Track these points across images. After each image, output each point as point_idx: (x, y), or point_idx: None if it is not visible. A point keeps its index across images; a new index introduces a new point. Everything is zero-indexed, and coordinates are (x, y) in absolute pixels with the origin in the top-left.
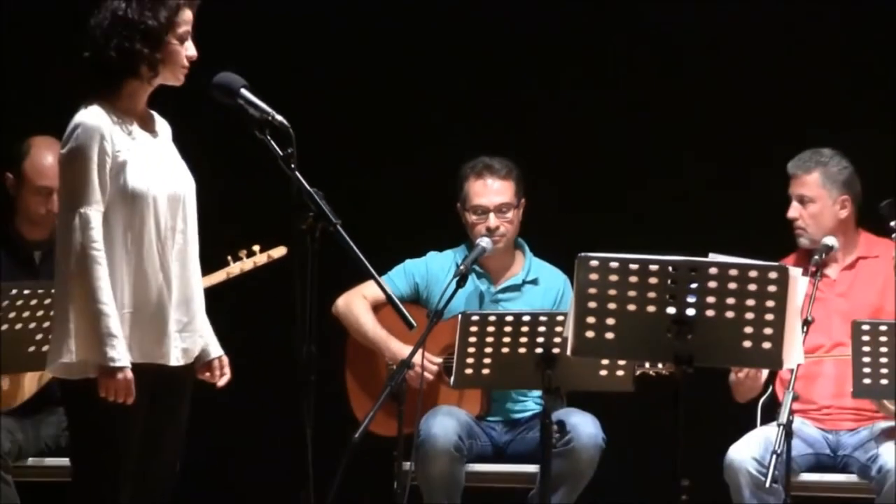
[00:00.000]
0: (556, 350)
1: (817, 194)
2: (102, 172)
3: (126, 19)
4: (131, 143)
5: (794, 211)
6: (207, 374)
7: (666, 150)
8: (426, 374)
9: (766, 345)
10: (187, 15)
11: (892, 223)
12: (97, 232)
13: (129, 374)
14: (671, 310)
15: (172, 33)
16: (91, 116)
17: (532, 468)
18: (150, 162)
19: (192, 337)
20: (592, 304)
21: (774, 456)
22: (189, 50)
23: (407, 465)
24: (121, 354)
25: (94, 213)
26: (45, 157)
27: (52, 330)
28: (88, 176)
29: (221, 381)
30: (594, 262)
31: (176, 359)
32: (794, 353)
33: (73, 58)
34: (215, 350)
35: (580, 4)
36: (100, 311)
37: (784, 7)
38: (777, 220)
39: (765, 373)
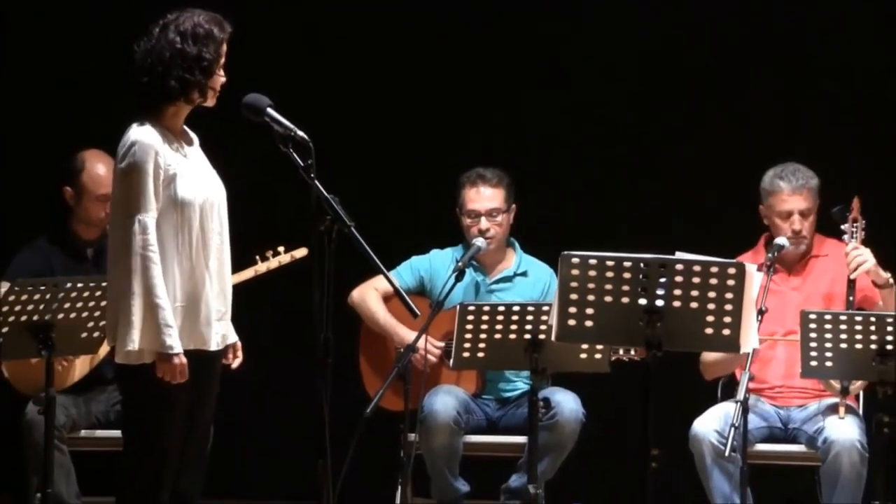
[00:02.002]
0: (542, 336)
1: (814, 206)
2: (156, 184)
3: (185, 53)
4: (178, 158)
5: (798, 224)
6: (224, 357)
7: (639, 159)
8: (429, 356)
9: (726, 331)
10: (224, 47)
11: (843, 226)
12: (153, 236)
13: (184, 359)
14: (643, 301)
15: (218, 64)
16: (146, 135)
17: (521, 439)
18: (194, 173)
19: (227, 324)
20: (574, 296)
21: (733, 429)
22: (223, 77)
23: (412, 436)
24: (176, 342)
25: (150, 219)
26: (100, 168)
27: (113, 322)
28: (145, 187)
29: (235, 364)
30: (576, 260)
31: (216, 344)
32: (750, 339)
33: (119, 82)
34: (232, 337)
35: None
36: (157, 305)
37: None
38: (737, 219)
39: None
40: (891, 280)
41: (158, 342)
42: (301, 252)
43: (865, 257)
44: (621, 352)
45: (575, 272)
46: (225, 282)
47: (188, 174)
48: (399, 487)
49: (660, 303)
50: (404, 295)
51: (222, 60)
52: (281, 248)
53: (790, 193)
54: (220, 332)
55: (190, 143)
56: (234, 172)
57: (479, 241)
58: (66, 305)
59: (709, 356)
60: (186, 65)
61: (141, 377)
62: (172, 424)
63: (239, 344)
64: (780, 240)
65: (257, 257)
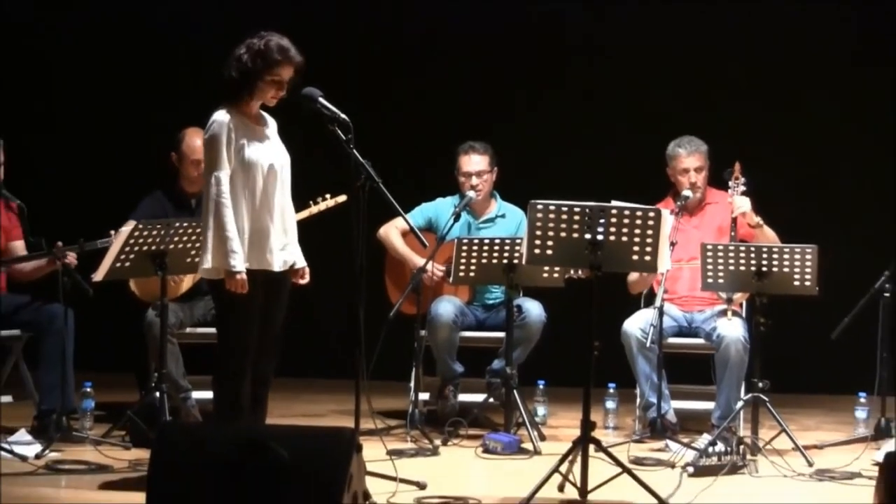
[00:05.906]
0: (516, 260)
1: (704, 164)
2: (229, 150)
3: (241, 59)
4: (247, 133)
5: (694, 177)
6: (296, 277)
7: (589, 131)
8: (434, 276)
9: (647, 258)
10: (280, 69)
11: (729, 182)
12: (226, 187)
13: (244, 276)
14: (588, 236)
15: (262, 77)
16: (221, 116)
17: (500, 335)
18: (259, 143)
19: (288, 252)
20: (538, 232)
21: (652, 327)
22: (279, 91)
23: (423, 332)
24: (238, 263)
25: (224, 175)
26: (195, 140)
27: (200, 248)
28: (220, 152)
29: (303, 281)
30: (540, 206)
31: (279, 265)
32: (664, 263)
33: (215, 78)
34: (300, 262)
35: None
36: (227, 237)
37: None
38: (654, 177)
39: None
40: (760, 222)
41: (226, 263)
42: (342, 197)
43: (741, 203)
44: (572, 272)
45: (539, 215)
46: (286, 221)
47: (254, 145)
48: (413, 369)
49: (600, 237)
50: (417, 231)
51: (271, 77)
52: (328, 195)
53: (686, 156)
54: (283, 258)
55: (264, 124)
56: (297, 144)
57: (471, 193)
58: (176, 239)
59: (632, 276)
60: (238, 66)
61: (223, 289)
62: (248, 323)
63: (307, 268)
64: (686, 192)
65: (311, 202)
